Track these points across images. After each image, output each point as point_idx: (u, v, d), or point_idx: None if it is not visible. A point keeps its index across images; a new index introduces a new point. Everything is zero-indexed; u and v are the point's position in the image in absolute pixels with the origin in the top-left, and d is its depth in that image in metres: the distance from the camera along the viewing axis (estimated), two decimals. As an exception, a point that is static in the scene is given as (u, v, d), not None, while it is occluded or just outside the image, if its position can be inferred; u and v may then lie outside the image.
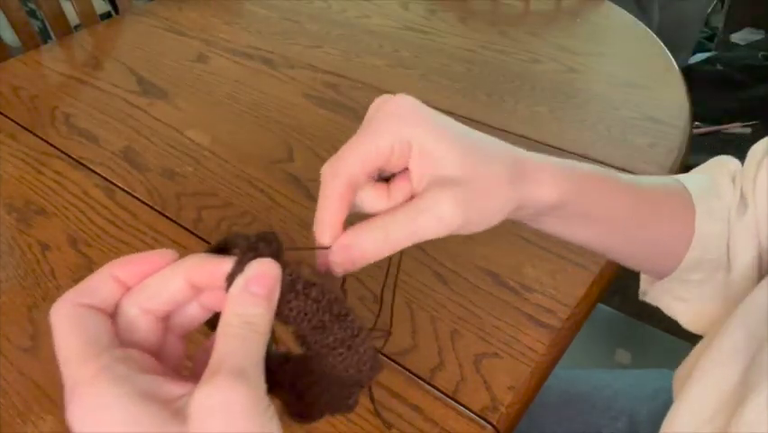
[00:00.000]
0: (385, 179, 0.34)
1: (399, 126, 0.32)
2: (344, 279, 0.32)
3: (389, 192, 0.33)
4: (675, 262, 0.44)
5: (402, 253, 0.32)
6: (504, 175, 0.34)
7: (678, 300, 0.47)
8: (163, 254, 0.27)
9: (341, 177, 0.32)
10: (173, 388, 0.24)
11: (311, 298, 0.26)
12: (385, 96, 0.34)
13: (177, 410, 0.23)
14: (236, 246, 0.27)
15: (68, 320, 0.25)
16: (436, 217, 0.32)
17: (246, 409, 0.22)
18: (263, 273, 0.26)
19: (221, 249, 0.28)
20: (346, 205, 0.32)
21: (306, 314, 0.26)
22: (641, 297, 0.51)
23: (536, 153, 0.37)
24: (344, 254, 0.31)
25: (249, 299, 0.25)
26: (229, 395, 0.22)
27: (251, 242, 0.27)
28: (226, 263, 0.26)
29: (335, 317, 0.27)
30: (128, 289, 0.27)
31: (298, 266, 0.27)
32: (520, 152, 0.36)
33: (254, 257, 0.26)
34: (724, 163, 0.47)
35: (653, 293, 0.49)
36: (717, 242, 0.44)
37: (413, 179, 0.33)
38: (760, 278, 0.42)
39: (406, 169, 0.33)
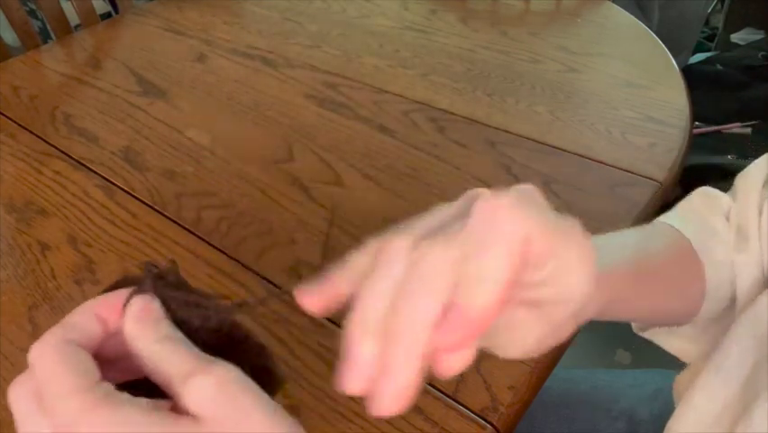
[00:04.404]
0: None
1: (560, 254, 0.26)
2: (242, 304, 0.29)
3: None
4: (693, 315, 0.44)
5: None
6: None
7: (676, 337, 0.47)
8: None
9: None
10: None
11: (184, 331, 0.27)
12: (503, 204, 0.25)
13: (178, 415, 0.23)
14: (132, 283, 0.27)
15: (58, 354, 0.24)
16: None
17: (240, 379, 0.24)
18: (146, 307, 0.26)
19: (120, 286, 0.28)
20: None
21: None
22: (636, 331, 0.50)
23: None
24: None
25: (155, 327, 0.26)
26: (219, 375, 0.23)
27: (133, 280, 0.27)
28: (123, 296, 0.27)
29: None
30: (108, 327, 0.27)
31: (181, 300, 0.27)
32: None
33: (139, 292, 0.27)
34: (711, 198, 0.45)
35: (651, 332, 0.49)
36: (725, 286, 0.43)
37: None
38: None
39: None
